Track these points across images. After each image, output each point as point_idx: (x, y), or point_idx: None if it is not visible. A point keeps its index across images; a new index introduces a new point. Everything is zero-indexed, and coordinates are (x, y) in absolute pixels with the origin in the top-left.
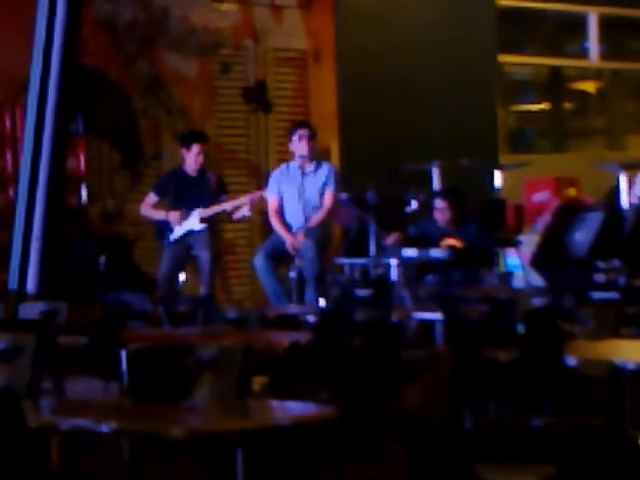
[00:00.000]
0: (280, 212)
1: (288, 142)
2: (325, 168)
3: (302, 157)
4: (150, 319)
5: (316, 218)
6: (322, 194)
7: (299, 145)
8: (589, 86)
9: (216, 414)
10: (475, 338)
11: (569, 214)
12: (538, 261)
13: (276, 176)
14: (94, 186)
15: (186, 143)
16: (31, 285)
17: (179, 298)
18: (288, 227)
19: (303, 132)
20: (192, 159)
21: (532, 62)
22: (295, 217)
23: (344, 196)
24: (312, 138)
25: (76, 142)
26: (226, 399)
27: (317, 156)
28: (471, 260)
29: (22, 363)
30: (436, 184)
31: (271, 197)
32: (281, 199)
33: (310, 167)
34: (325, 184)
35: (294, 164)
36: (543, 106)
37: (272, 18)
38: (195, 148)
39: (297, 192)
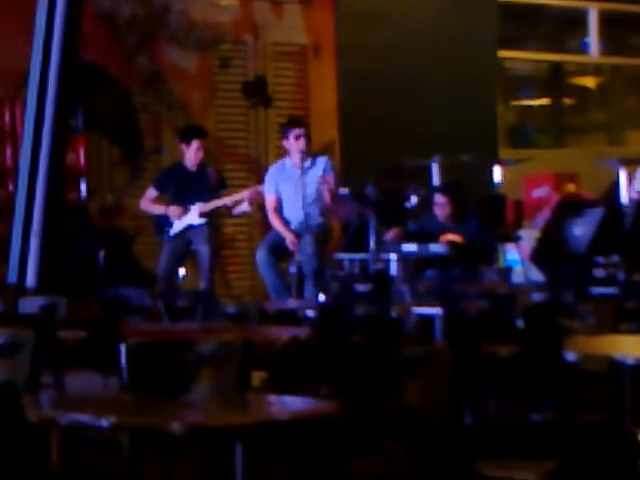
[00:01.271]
0: (279, 209)
1: (282, 139)
2: (321, 162)
3: (300, 155)
4: (149, 314)
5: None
6: (319, 188)
7: (296, 144)
8: (589, 81)
9: (215, 409)
10: (475, 333)
11: (569, 209)
12: (538, 256)
13: (272, 174)
14: (94, 181)
15: (186, 138)
16: (31, 279)
17: (178, 293)
18: (287, 223)
19: (300, 131)
20: (192, 154)
21: (532, 57)
22: (294, 213)
23: (344, 190)
24: (308, 135)
25: (76, 137)
26: (225, 394)
27: (315, 151)
28: (471, 255)
29: (21, 358)
30: (436, 179)
31: (269, 196)
32: (279, 197)
33: (306, 163)
34: (323, 177)
35: (289, 161)
36: (543, 101)
37: (272, 13)
38: (195, 143)
39: (295, 189)
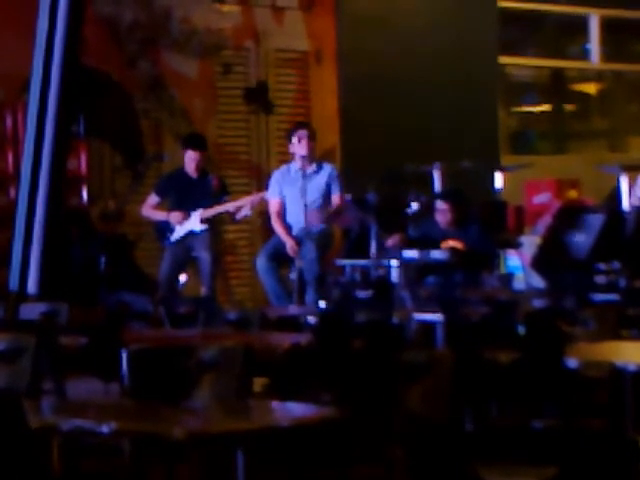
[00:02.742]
0: (282, 214)
1: (288, 143)
2: (327, 169)
3: (302, 157)
4: (151, 320)
5: (328, 210)
6: (324, 195)
7: (299, 146)
8: (590, 88)
9: (217, 415)
10: (476, 339)
11: (570, 216)
12: (539, 263)
13: (277, 178)
14: (95, 187)
15: (183, 146)
16: (32, 286)
17: (180, 299)
18: (290, 228)
19: (302, 133)
20: (187, 163)
21: (533, 64)
22: (297, 218)
23: (349, 197)
24: (312, 138)
25: (77, 143)
26: (226, 400)
27: (317, 157)
28: (472, 262)
29: (23, 364)
30: (437, 186)
31: (272, 199)
32: (283, 201)
33: (311, 168)
34: (327, 185)
35: (294, 165)
36: (544, 108)
37: (273, 19)
38: (188, 153)
39: (299, 194)
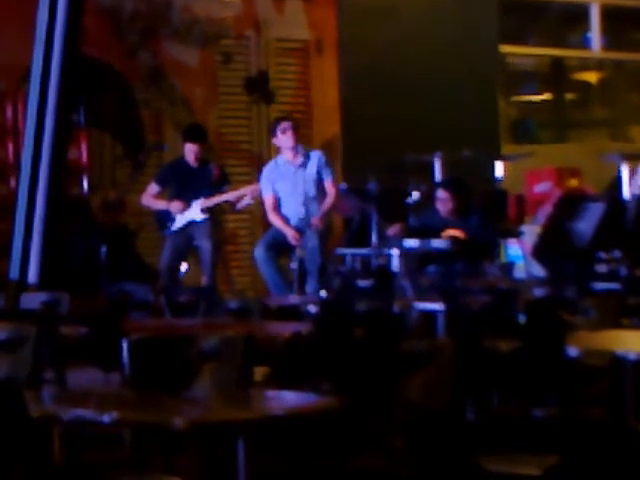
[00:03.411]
0: (278, 208)
1: (272, 137)
2: (315, 157)
3: (290, 149)
4: (152, 309)
5: (324, 208)
6: (317, 184)
7: (284, 138)
8: (591, 77)
9: (217, 404)
10: (476, 329)
11: (571, 205)
12: (539, 252)
13: (267, 174)
14: (96, 177)
15: (183, 139)
16: (32, 275)
17: (181, 288)
18: (287, 220)
19: (286, 124)
20: (187, 153)
21: (534, 52)
22: (294, 210)
23: (343, 185)
24: (296, 129)
25: (78, 132)
26: (227, 389)
27: (317, 147)
28: (473, 251)
29: (23, 353)
30: (438, 175)
31: (266, 195)
32: (276, 196)
33: (299, 158)
34: (318, 173)
35: (282, 159)
36: (545, 97)
37: (274, 8)
38: (187, 146)
39: (291, 186)
